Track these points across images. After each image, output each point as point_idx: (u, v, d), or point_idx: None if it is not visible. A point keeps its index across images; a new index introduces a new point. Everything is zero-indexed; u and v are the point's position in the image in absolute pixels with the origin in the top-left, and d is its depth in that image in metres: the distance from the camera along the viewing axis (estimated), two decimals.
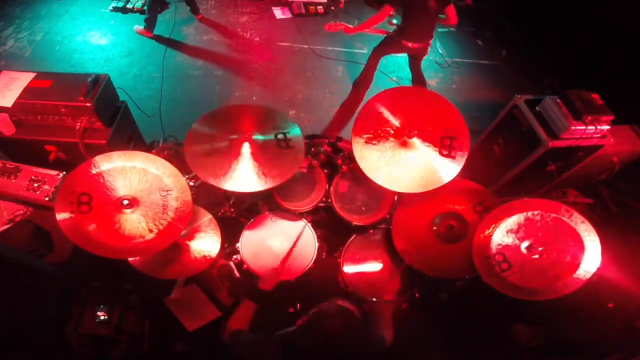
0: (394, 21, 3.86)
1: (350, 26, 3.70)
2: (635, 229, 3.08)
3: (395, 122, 2.24)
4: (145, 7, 4.61)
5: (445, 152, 2.20)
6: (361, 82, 4.29)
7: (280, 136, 2.24)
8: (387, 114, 2.25)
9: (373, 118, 2.24)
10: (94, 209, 1.87)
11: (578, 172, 3.25)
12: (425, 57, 4.00)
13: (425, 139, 2.23)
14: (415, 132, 2.20)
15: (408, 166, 2.20)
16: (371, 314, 1.97)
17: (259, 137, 2.23)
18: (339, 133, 3.95)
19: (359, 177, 2.57)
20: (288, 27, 5.26)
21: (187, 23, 5.03)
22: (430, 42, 3.79)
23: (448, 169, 2.20)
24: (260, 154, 2.18)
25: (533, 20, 5.52)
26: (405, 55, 4.04)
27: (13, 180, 2.33)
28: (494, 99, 4.74)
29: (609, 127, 2.90)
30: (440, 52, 5.29)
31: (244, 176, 2.11)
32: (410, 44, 3.71)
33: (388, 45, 3.89)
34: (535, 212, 2.15)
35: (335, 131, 4.05)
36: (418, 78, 4.19)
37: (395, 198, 2.54)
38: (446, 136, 2.22)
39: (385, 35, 3.86)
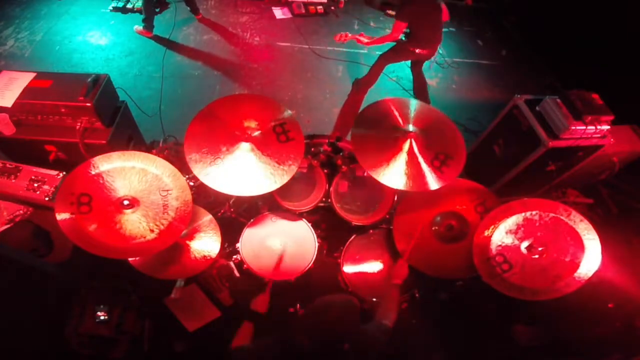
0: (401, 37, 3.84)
1: (364, 39, 3.66)
2: (636, 229, 3.07)
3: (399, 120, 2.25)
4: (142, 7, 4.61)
5: (436, 165, 2.19)
6: (364, 84, 4.27)
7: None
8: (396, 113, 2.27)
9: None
10: (94, 209, 1.86)
11: (578, 172, 3.25)
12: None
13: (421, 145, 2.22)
14: (415, 132, 2.21)
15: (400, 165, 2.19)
16: (380, 299, 1.99)
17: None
18: (346, 135, 3.95)
19: (359, 177, 2.58)
20: (288, 27, 5.26)
21: (187, 23, 5.02)
22: (439, 45, 3.79)
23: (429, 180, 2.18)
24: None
25: (533, 20, 5.52)
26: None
27: (13, 180, 2.32)
28: (494, 99, 4.73)
29: (609, 127, 2.90)
30: (440, 52, 5.29)
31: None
32: (419, 50, 3.73)
33: (398, 54, 3.89)
34: (534, 212, 2.16)
35: (340, 133, 4.03)
36: (419, 81, 4.19)
37: (395, 198, 2.54)
38: (442, 152, 2.21)
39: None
